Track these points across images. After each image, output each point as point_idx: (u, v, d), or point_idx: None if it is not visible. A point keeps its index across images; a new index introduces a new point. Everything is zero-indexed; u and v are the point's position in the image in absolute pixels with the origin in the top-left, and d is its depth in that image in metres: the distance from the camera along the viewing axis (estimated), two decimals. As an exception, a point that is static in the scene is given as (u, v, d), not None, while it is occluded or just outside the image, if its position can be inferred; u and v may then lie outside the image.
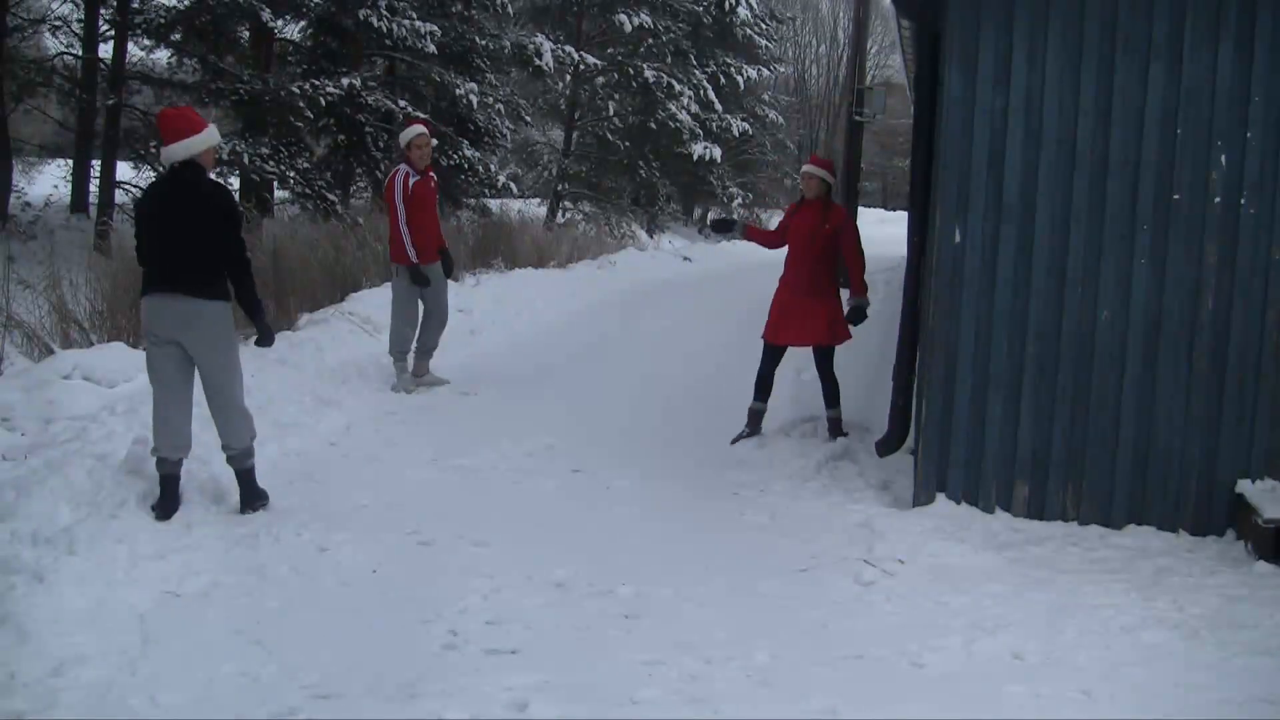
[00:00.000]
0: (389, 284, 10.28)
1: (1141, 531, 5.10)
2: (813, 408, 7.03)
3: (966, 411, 5.27)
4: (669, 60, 22.31)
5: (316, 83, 14.46)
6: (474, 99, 16.30)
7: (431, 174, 7.79)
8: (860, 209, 16.78)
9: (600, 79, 21.78)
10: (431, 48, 15.53)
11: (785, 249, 6.74)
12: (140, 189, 14.39)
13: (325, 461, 5.94)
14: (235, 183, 15.16)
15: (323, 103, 14.37)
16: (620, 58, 21.46)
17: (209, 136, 4.83)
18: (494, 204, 18.12)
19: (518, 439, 6.51)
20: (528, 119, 19.82)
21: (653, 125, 22.10)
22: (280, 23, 15.26)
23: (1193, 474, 5.11)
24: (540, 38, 18.59)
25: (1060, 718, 3.35)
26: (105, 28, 15.26)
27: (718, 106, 23.75)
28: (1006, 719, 3.33)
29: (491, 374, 8.37)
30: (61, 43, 16.44)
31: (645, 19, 21.38)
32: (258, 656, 3.62)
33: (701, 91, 23.04)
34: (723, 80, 24.33)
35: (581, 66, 20.11)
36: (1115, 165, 5.07)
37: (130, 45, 15.10)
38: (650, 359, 9.49)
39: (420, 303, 7.74)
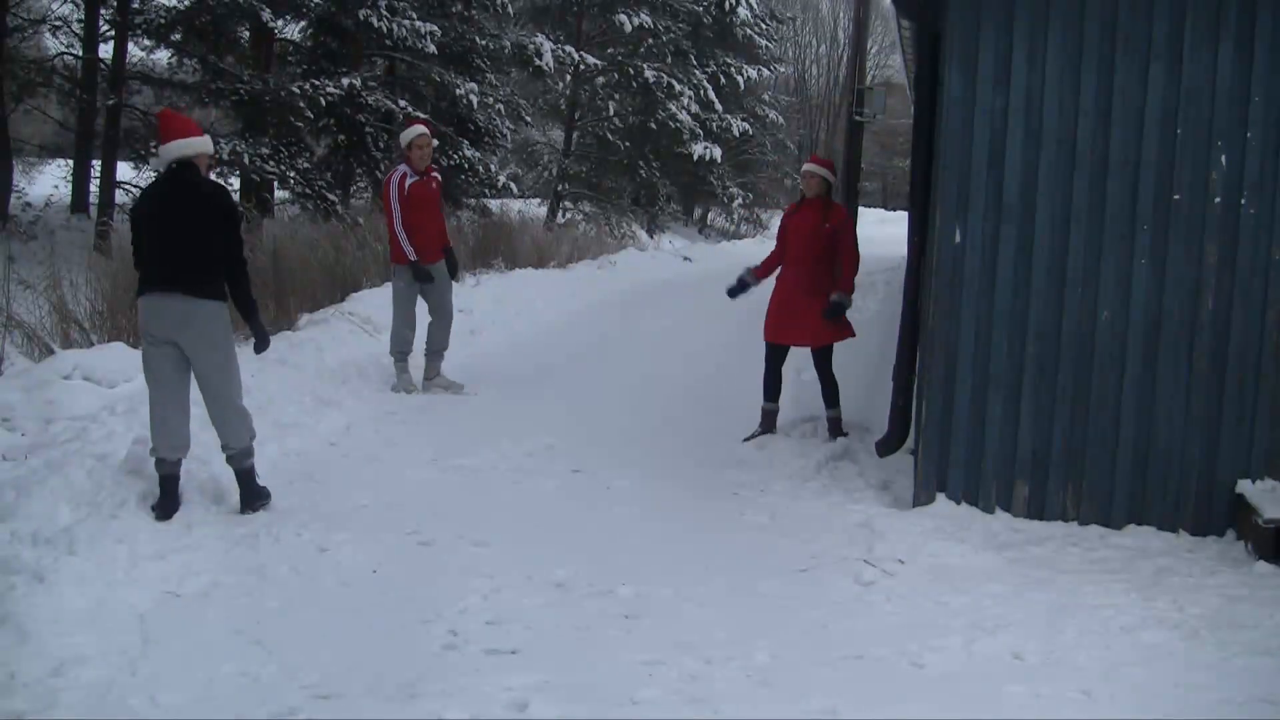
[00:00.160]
0: (389, 284, 10.31)
1: (1141, 531, 5.10)
2: (813, 408, 7.03)
3: (966, 411, 5.27)
4: (669, 60, 22.32)
5: (316, 83, 14.46)
6: (474, 99, 16.30)
7: (434, 174, 7.76)
8: (860, 209, 16.79)
9: (600, 79, 21.79)
10: (431, 48, 15.53)
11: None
12: (140, 189, 14.39)
13: (325, 462, 5.94)
14: (235, 183, 15.15)
15: (323, 103, 14.37)
16: (620, 58, 21.46)
17: (206, 142, 4.95)
18: (494, 204, 18.13)
19: (518, 439, 6.51)
20: (528, 119, 19.83)
21: (653, 125, 22.10)
22: (280, 23, 15.25)
23: (1193, 474, 5.11)
24: (540, 38, 18.59)
25: (1060, 718, 3.35)
26: (105, 28, 15.26)
27: (718, 106, 23.76)
28: (1006, 719, 3.33)
29: (491, 374, 8.37)
30: (62, 43, 16.44)
31: (645, 19, 21.39)
32: (258, 656, 3.62)
33: (702, 91, 23.04)
34: (723, 80, 24.34)
35: (581, 66, 20.11)
36: (1115, 165, 5.07)
37: (130, 45, 15.09)
38: (650, 359, 9.49)
39: (421, 303, 7.73)
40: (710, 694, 3.43)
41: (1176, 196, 5.03)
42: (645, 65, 21.07)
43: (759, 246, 24.10)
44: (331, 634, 3.83)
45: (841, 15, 40.11)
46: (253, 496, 5.00)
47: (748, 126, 25.58)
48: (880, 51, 37.42)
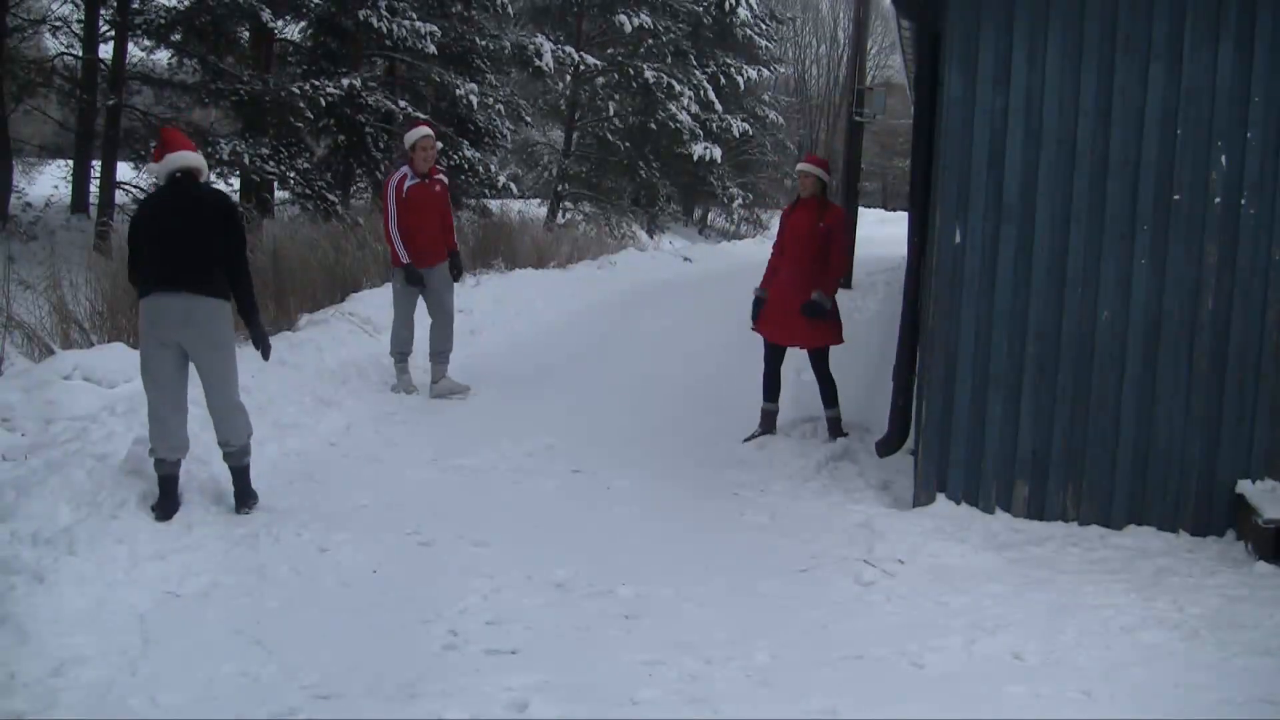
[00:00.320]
0: (389, 284, 10.30)
1: (1141, 532, 5.10)
2: (813, 408, 7.03)
3: (966, 412, 5.27)
4: (669, 60, 22.32)
5: (316, 83, 14.45)
6: (474, 99, 16.30)
7: (438, 177, 7.70)
8: (860, 209, 16.77)
9: (600, 79, 21.79)
10: (431, 48, 15.53)
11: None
12: (140, 189, 14.41)
13: (325, 462, 5.94)
14: (235, 183, 15.16)
15: (323, 103, 14.36)
16: (620, 58, 21.47)
17: (204, 161, 5.06)
18: (494, 204, 18.12)
19: (518, 439, 6.51)
20: (528, 119, 19.82)
21: (653, 126, 22.10)
22: (280, 23, 15.25)
23: (1193, 474, 5.11)
24: (540, 38, 18.59)
25: (1060, 718, 3.35)
26: (105, 28, 15.25)
27: (718, 107, 23.75)
28: (1006, 719, 3.33)
29: (491, 374, 8.37)
30: (61, 43, 16.43)
31: (645, 19, 21.39)
32: (258, 656, 3.62)
33: (701, 92, 23.03)
34: (723, 80, 24.33)
35: (581, 67, 20.11)
36: (1115, 165, 5.08)
37: (130, 46, 15.08)
38: (650, 359, 9.49)
39: (421, 305, 7.70)
40: (710, 694, 3.43)
41: (1176, 196, 5.03)
42: (645, 66, 21.06)
43: (759, 247, 24.09)
44: (331, 634, 3.83)
45: (841, 15, 40.10)
46: (247, 496, 5.01)
47: (748, 127, 25.57)
48: (880, 52, 37.42)
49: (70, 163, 17.09)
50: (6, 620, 3.63)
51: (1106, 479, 5.18)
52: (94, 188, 15.11)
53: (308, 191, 14.70)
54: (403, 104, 15.58)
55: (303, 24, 16.62)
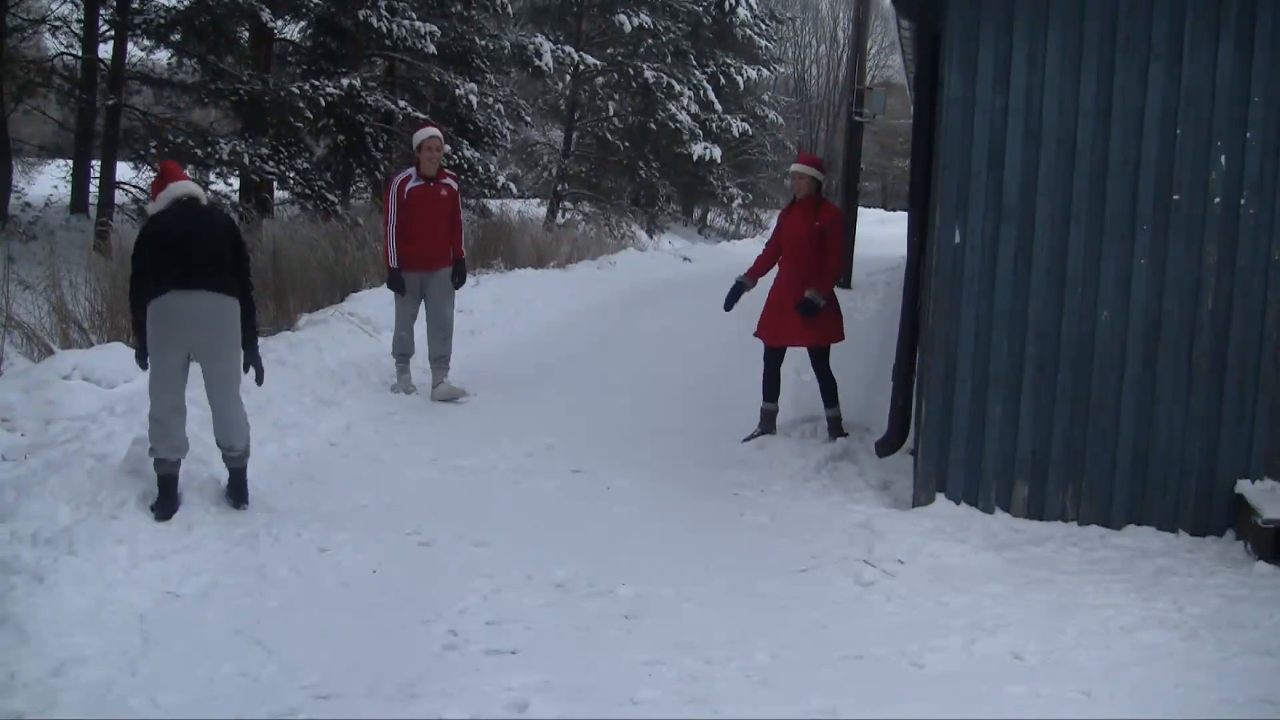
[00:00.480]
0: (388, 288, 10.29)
1: (1141, 532, 5.10)
2: (813, 408, 7.03)
3: (966, 412, 5.27)
4: (669, 60, 22.32)
5: (316, 83, 14.45)
6: (474, 99, 16.30)
7: (444, 181, 7.59)
8: (860, 209, 16.77)
9: (600, 79, 21.79)
10: (431, 48, 15.53)
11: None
12: (140, 189, 14.40)
13: (325, 462, 5.94)
14: (235, 183, 15.15)
15: (322, 103, 14.36)
16: (620, 58, 21.47)
17: (201, 191, 5.14)
18: (494, 204, 18.12)
19: (518, 439, 6.50)
20: (527, 119, 19.82)
21: (652, 125, 22.11)
22: (280, 23, 15.25)
23: (1192, 474, 5.12)
24: (540, 38, 18.59)
25: (1060, 718, 3.35)
26: (105, 28, 15.24)
27: (717, 107, 23.76)
28: (1006, 719, 3.33)
29: (491, 374, 8.37)
30: (61, 43, 16.42)
31: (645, 19, 21.39)
32: (258, 657, 3.62)
33: (701, 92, 23.04)
34: (722, 80, 24.34)
35: (581, 67, 20.12)
36: (1115, 165, 5.08)
37: (130, 45, 15.06)
38: (650, 359, 9.49)
39: (422, 308, 7.67)
40: (710, 694, 3.43)
41: (1176, 196, 5.04)
42: (645, 65, 21.07)
43: (758, 247, 24.07)
44: (331, 634, 3.83)
45: (841, 15, 40.09)
46: (242, 497, 5.02)
47: (747, 127, 25.58)
48: (880, 52, 37.39)
49: (70, 162, 17.08)
50: (6, 620, 3.63)
51: (1106, 479, 5.18)
52: (93, 188, 15.10)
53: (307, 191, 14.70)
54: (402, 104, 15.58)
55: (302, 24, 16.62)
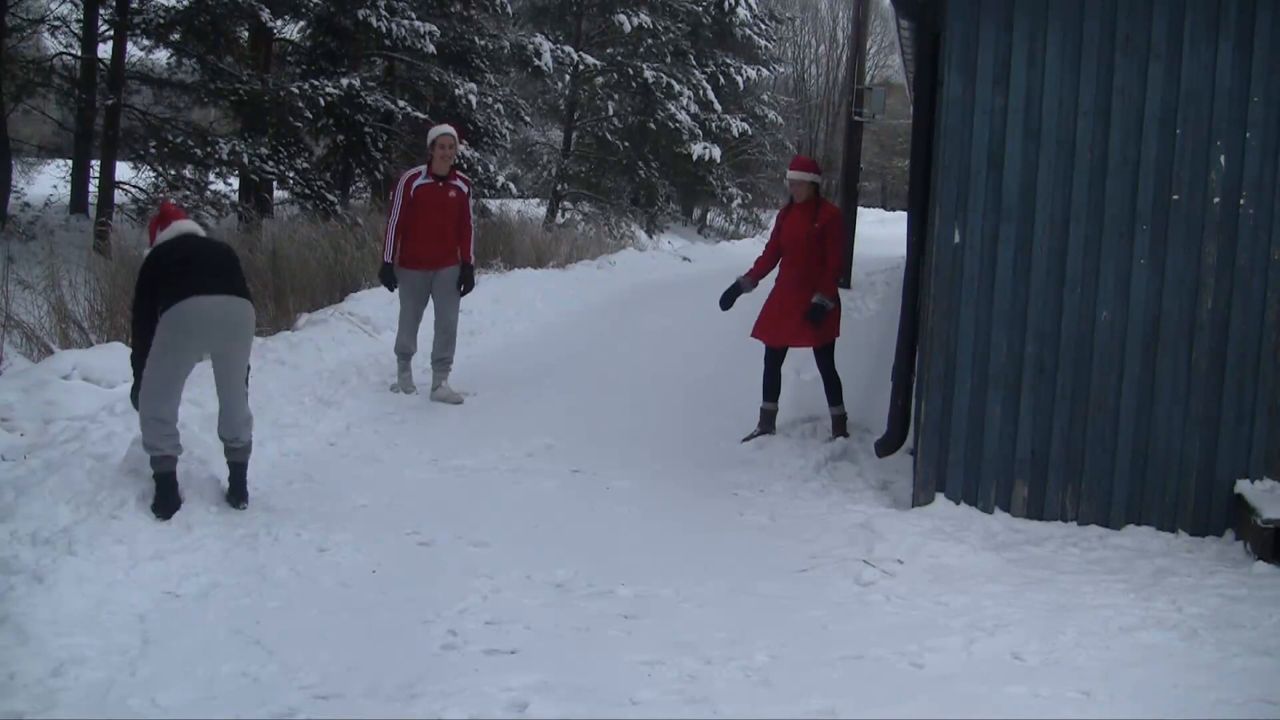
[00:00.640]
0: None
1: (1141, 532, 5.10)
2: (813, 408, 7.04)
3: (966, 412, 5.27)
4: (668, 60, 22.33)
5: (316, 83, 14.46)
6: (473, 99, 16.30)
7: (455, 182, 7.52)
8: (860, 209, 16.79)
9: (599, 79, 21.80)
10: (431, 48, 15.53)
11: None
12: (140, 188, 14.40)
13: (325, 462, 5.94)
14: (234, 182, 15.16)
15: (322, 103, 14.37)
16: (620, 58, 21.48)
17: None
18: (493, 204, 18.11)
19: (517, 439, 6.50)
20: (527, 119, 19.82)
21: (652, 125, 22.12)
22: (279, 23, 15.26)
23: (1192, 474, 5.12)
24: (540, 38, 18.60)
25: (1060, 718, 3.35)
26: (104, 28, 15.26)
27: (717, 107, 23.76)
28: (1006, 719, 3.33)
29: (491, 374, 8.37)
30: (60, 43, 16.44)
31: (645, 19, 21.39)
32: (257, 657, 3.62)
33: (701, 92, 23.05)
34: (722, 80, 24.35)
35: (581, 67, 20.13)
36: (1115, 165, 5.08)
37: (129, 45, 15.08)
38: (650, 359, 9.49)
39: (430, 310, 7.63)
40: (710, 694, 3.43)
41: (1176, 196, 5.04)
42: (644, 65, 21.08)
43: (758, 246, 24.07)
44: (331, 634, 3.83)
45: (841, 15, 40.12)
46: (243, 493, 5.03)
47: (747, 127, 25.59)
48: (879, 51, 37.41)
49: (69, 162, 17.10)
50: (6, 620, 3.63)
51: (1106, 479, 5.19)
52: (93, 187, 15.12)
53: (307, 191, 14.71)
54: (402, 104, 15.59)
55: (302, 24, 16.64)
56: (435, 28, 15.64)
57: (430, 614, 3.99)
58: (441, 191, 7.45)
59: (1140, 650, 3.82)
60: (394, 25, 15.08)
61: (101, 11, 15.19)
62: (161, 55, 16.10)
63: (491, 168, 17.36)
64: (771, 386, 6.75)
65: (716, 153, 23.56)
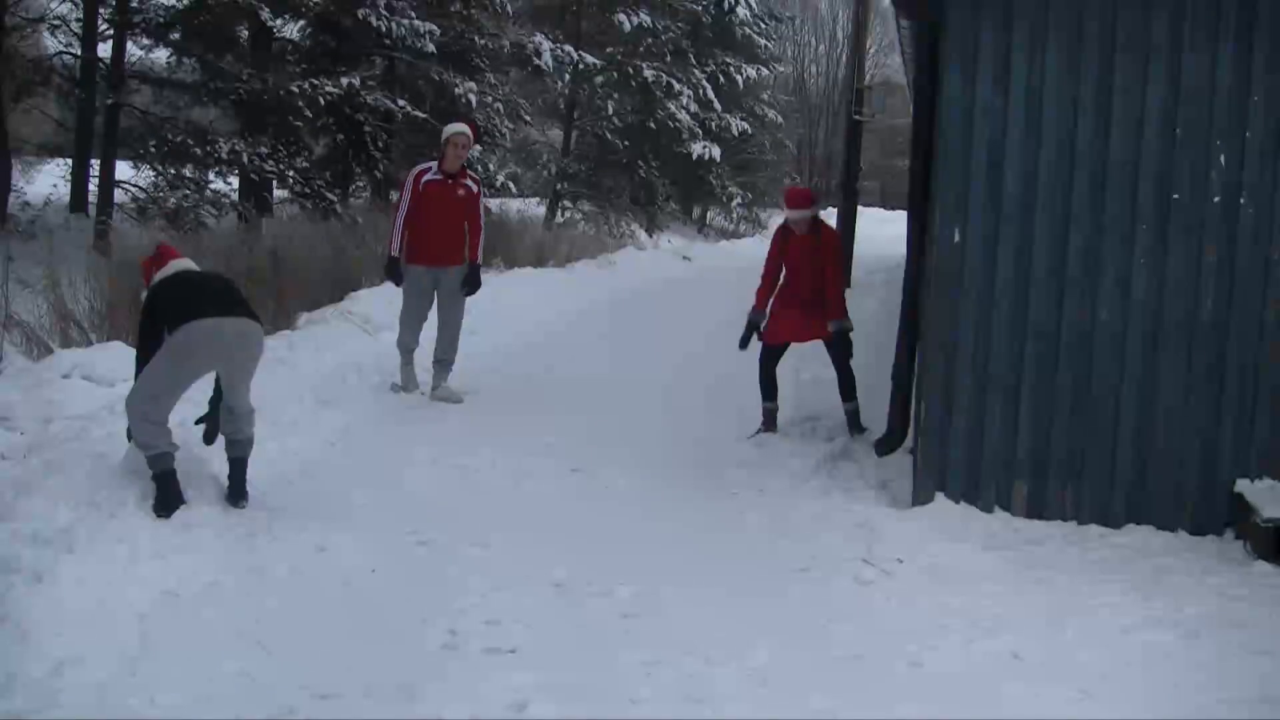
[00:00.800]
0: (388, 283, 10.25)
1: (1141, 531, 5.10)
2: (813, 407, 7.04)
3: (966, 411, 5.27)
4: (668, 59, 22.30)
5: (315, 82, 14.43)
6: (473, 98, 16.28)
7: (464, 181, 7.47)
8: (860, 208, 16.78)
9: (599, 78, 21.77)
10: (430, 47, 15.51)
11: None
12: (140, 187, 14.39)
13: (324, 461, 5.94)
14: (234, 182, 15.15)
15: (321, 102, 14.35)
16: (619, 57, 21.45)
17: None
18: (493, 203, 18.10)
19: (517, 438, 6.50)
20: (527, 118, 19.78)
21: (652, 125, 22.09)
22: (279, 22, 15.24)
23: (1192, 473, 5.12)
24: (539, 37, 18.57)
25: (1059, 718, 3.35)
26: (104, 27, 15.24)
27: (717, 106, 23.74)
28: (1006, 719, 3.33)
29: (490, 373, 8.36)
30: (60, 42, 16.42)
31: (644, 18, 21.37)
32: (257, 656, 3.62)
33: (701, 91, 23.03)
34: (722, 79, 24.32)
35: (581, 66, 20.10)
36: (1115, 165, 5.08)
37: (129, 44, 15.06)
38: (650, 358, 9.48)
39: (435, 310, 7.59)
40: (709, 694, 3.43)
41: (1176, 196, 5.04)
42: (644, 64, 21.06)
43: (758, 246, 24.05)
44: (330, 633, 3.83)
45: (840, 14, 40.13)
46: (242, 491, 5.03)
47: (747, 126, 25.56)
48: (879, 51, 37.42)
49: (69, 161, 17.07)
50: (5, 620, 3.63)
51: (1106, 478, 5.19)
52: (93, 187, 15.10)
53: (307, 190, 14.70)
54: (402, 103, 15.56)
55: (301, 23, 16.59)
56: (435, 27, 15.62)
57: (430, 613, 3.99)
58: (450, 189, 7.41)
59: (1140, 650, 3.82)
60: (394, 24, 15.06)
61: (101, 11, 15.17)
62: (161, 54, 16.09)
63: (491, 167, 17.34)
64: (769, 387, 6.75)
65: (716, 152, 23.54)
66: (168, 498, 4.69)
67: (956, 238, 5.21)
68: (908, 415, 6.21)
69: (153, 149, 14.08)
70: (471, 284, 7.57)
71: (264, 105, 14.27)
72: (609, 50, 21.85)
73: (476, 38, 17.01)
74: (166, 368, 4.82)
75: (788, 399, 7.05)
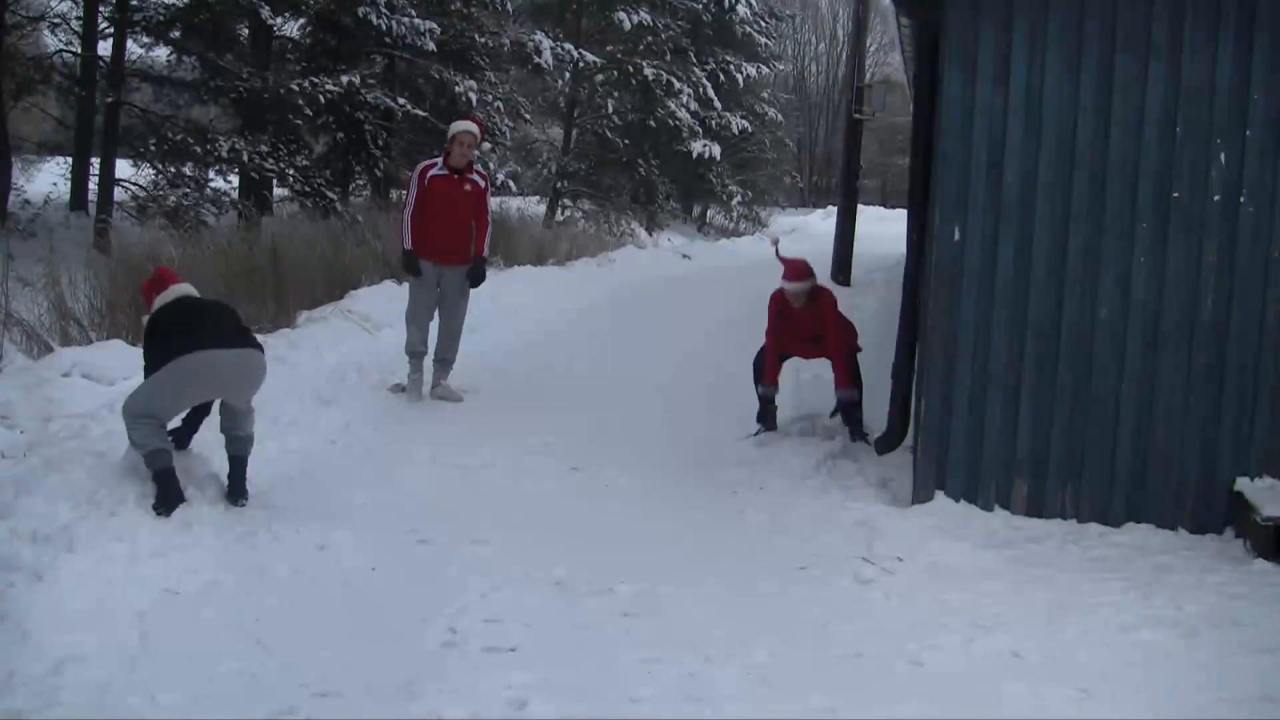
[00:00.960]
0: (388, 282, 10.26)
1: (1140, 530, 5.10)
2: (813, 407, 7.04)
3: (965, 410, 5.27)
4: (668, 58, 22.30)
5: (316, 80, 14.43)
6: (473, 96, 16.27)
7: (470, 176, 7.45)
8: (860, 207, 16.77)
9: (599, 76, 21.77)
10: (431, 45, 15.50)
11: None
12: (140, 186, 14.39)
13: (324, 460, 5.94)
14: (234, 180, 15.15)
15: (322, 100, 14.34)
16: (619, 55, 21.45)
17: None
18: (493, 202, 18.06)
19: (517, 437, 6.50)
20: (527, 117, 19.79)
21: (652, 123, 22.09)
22: (279, 20, 15.23)
23: (1192, 472, 5.12)
24: (540, 35, 18.56)
25: (1059, 717, 3.35)
26: (104, 25, 15.24)
27: (717, 104, 23.73)
28: (1006, 718, 3.33)
29: (490, 372, 8.36)
30: (60, 40, 16.42)
31: (644, 16, 21.36)
32: (257, 655, 3.62)
33: (701, 89, 23.02)
34: (722, 78, 24.31)
35: (581, 64, 20.09)
36: (1115, 164, 5.08)
37: (129, 43, 15.06)
38: (650, 357, 9.48)
39: (437, 307, 7.57)
40: (709, 692, 3.43)
41: (1176, 195, 5.04)
42: (644, 63, 21.05)
43: (758, 245, 24.10)
44: (331, 632, 3.83)
45: (841, 13, 40.12)
46: (243, 489, 5.04)
47: (747, 124, 25.55)
48: (879, 49, 37.41)
49: (69, 160, 17.08)
50: (6, 618, 3.63)
51: (1105, 477, 5.19)
52: (93, 185, 15.10)
53: (307, 189, 14.69)
54: (402, 101, 15.56)
55: (302, 21, 16.59)
56: (435, 25, 15.61)
57: (429, 612, 3.99)
58: (457, 184, 7.39)
59: (1140, 648, 3.82)
60: (394, 23, 15.06)
61: (101, 9, 15.17)
62: (161, 52, 16.09)
63: (491, 165, 17.34)
64: (763, 370, 6.69)
65: (716, 150, 23.53)
66: (168, 495, 4.69)
67: (956, 237, 5.21)
68: (908, 414, 6.21)
69: (153, 147, 14.08)
70: (476, 278, 7.54)
71: (264, 103, 14.27)
72: (609, 48, 21.85)
73: (477, 36, 17.00)
74: (166, 390, 4.88)
75: (787, 398, 7.04)
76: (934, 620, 4.03)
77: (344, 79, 14.64)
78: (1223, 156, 4.99)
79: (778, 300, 6.57)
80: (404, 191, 7.75)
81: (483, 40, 17.13)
